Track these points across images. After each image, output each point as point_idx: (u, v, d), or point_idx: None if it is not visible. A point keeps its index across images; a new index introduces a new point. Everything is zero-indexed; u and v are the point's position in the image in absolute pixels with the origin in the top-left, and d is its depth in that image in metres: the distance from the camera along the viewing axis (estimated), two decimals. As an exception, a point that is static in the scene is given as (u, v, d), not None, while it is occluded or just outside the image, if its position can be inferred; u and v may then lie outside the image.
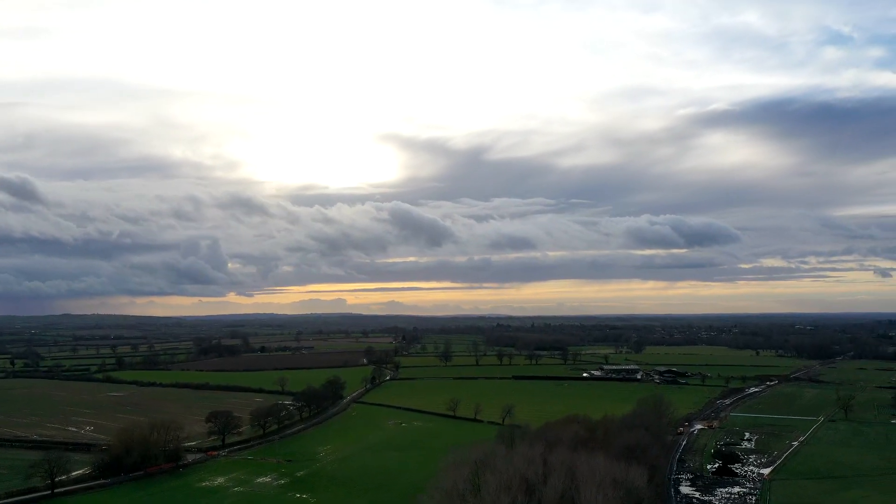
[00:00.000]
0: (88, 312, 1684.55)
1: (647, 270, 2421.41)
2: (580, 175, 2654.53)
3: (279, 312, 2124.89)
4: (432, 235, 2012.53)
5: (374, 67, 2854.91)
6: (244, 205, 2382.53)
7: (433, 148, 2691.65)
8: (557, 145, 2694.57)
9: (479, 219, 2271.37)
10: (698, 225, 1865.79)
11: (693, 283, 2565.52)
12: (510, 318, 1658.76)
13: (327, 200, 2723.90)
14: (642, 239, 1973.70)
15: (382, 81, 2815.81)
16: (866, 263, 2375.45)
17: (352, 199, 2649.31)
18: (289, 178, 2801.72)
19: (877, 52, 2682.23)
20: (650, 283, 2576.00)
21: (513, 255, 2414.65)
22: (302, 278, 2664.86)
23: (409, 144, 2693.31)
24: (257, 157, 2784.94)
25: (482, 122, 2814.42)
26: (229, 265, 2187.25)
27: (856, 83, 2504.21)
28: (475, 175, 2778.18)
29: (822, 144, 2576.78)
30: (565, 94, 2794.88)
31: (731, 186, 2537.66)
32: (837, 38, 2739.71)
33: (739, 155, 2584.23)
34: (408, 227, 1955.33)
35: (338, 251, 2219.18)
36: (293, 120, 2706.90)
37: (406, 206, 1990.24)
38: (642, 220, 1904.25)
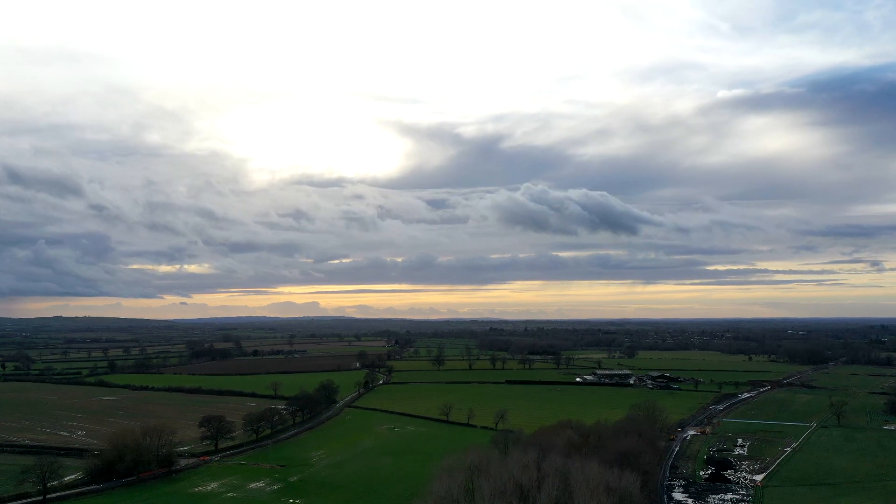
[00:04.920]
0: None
1: (608, 271, 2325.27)
2: (598, 166, 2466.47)
3: (259, 315, 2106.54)
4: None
5: (377, 43, 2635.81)
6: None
7: (440, 135, 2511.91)
8: (578, 132, 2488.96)
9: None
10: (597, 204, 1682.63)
11: (670, 286, 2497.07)
12: (474, 321, 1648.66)
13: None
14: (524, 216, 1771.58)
15: (384, 58, 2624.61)
16: (862, 266, 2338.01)
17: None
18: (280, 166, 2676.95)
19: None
20: (613, 287, 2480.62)
21: (452, 257, 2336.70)
22: (270, 280, 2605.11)
23: (412, 130, 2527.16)
24: (247, 141, 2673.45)
25: (496, 106, 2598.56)
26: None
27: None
28: (483, 167, 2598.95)
29: (875, 133, 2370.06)
30: (593, 71, 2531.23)
31: (760, 182, 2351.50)
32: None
33: (778, 144, 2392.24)
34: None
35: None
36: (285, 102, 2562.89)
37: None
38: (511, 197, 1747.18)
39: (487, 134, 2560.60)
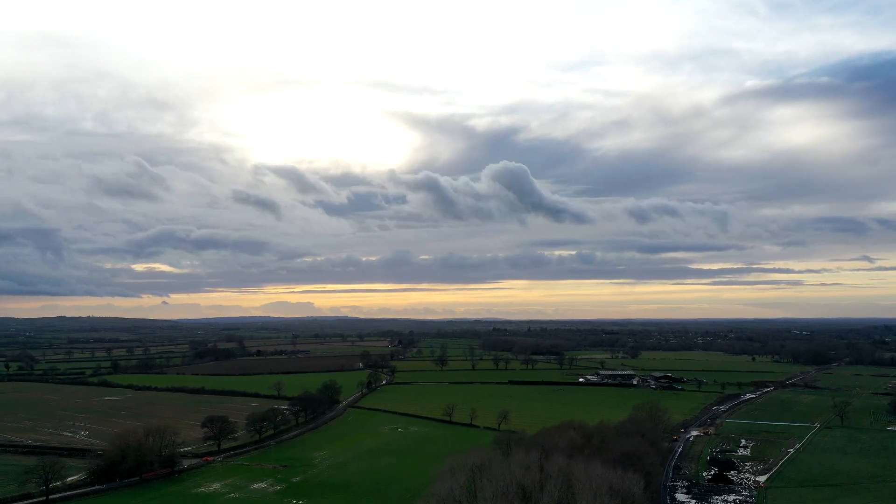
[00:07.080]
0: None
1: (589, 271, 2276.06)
2: (614, 161, 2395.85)
3: (254, 315, 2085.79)
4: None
5: (382, 28, 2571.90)
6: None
7: (450, 127, 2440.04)
8: (596, 123, 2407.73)
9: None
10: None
11: (667, 285, 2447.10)
12: (477, 321, 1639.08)
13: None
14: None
15: (390, 44, 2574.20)
16: (864, 263, 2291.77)
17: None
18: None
19: None
20: (607, 287, 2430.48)
21: (425, 257, 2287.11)
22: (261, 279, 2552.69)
23: (422, 122, 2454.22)
24: (243, 132, 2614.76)
25: (510, 96, 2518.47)
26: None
27: None
28: (496, 160, 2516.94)
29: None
30: (615, 57, 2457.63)
31: (779, 178, 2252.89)
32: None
33: (804, 136, 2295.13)
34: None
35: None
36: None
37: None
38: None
39: (502, 126, 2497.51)
